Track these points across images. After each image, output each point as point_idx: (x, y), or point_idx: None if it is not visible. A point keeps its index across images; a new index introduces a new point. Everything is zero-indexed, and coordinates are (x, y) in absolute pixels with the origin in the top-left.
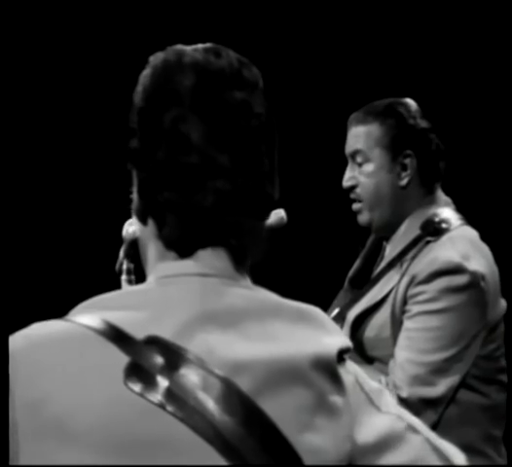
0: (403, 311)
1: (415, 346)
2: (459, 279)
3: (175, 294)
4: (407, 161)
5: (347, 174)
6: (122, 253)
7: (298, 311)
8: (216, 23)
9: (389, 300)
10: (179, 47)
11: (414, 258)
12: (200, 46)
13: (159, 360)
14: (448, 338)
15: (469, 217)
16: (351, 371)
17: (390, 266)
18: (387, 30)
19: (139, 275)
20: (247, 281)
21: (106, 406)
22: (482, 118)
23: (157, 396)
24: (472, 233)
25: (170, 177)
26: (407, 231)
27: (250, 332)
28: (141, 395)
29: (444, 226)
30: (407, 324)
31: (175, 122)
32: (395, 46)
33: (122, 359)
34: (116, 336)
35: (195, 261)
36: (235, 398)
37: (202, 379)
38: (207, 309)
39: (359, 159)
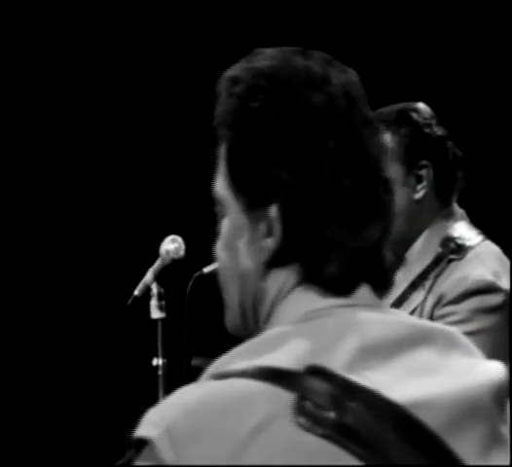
0: None
1: None
2: (493, 299)
3: (331, 327)
4: (423, 172)
5: None
6: (151, 275)
7: (446, 336)
8: (216, 23)
9: None
10: (301, 62)
11: (437, 277)
12: (316, 56)
13: (325, 391)
14: None
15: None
16: None
17: (414, 286)
18: (393, 31)
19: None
20: (388, 308)
21: (284, 452)
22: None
23: (327, 430)
24: (496, 250)
25: (342, 208)
26: (425, 248)
27: (410, 364)
28: (313, 432)
29: (467, 243)
30: None
31: (340, 144)
32: (402, 46)
33: (287, 397)
34: (277, 375)
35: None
36: (416, 434)
37: (372, 407)
38: (365, 343)
39: None
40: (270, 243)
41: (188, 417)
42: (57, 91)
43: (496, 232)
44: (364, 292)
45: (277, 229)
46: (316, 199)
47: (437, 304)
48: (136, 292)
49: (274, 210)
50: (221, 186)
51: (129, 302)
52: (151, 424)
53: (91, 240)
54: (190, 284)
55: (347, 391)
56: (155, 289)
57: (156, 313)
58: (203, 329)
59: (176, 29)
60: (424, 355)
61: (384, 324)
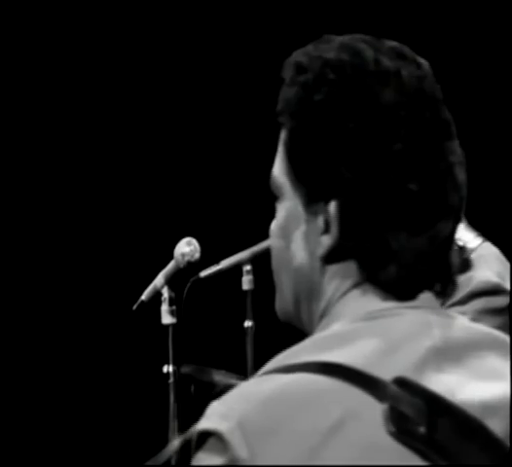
0: None
1: None
2: (498, 301)
3: (398, 326)
4: None
5: None
6: (162, 278)
7: (504, 343)
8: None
9: None
10: (371, 54)
11: None
12: (388, 47)
13: (414, 403)
14: None
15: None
16: None
17: None
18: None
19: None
20: (449, 312)
21: (365, 454)
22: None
23: (417, 443)
24: (497, 251)
25: (405, 212)
26: None
27: (478, 369)
28: (402, 441)
29: (468, 245)
30: None
31: (409, 146)
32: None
33: (376, 405)
34: (360, 379)
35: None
36: (493, 443)
37: (459, 424)
38: (434, 344)
39: None
40: (326, 240)
41: (261, 411)
42: (75, 93)
43: (493, 233)
44: (426, 295)
45: (335, 226)
46: (377, 201)
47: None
48: (143, 297)
49: (332, 207)
50: (279, 170)
51: (135, 307)
52: (219, 416)
53: (101, 245)
54: (186, 289)
55: (434, 406)
56: (166, 293)
57: (167, 318)
58: (200, 335)
59: (176, 29)
60: (490, 360)
61: (449, 327)
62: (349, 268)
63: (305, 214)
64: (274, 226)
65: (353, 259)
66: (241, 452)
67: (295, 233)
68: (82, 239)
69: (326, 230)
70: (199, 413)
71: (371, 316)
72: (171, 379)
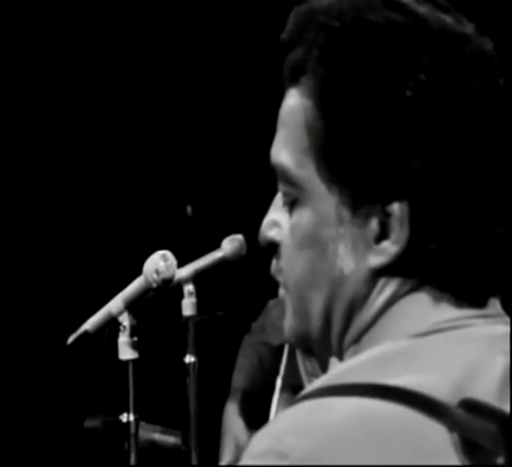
0: None
1: None
2: None
3: (472, 341)
4: None
5: None
6: (120, 302)
7: None
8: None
9: None
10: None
11: None
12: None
13: (487, 430)
14: None
15: None
16: None
17: None
18: None
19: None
20: None
21: None
22: None
23: None
24: None
25: (480, 206)
26: None
27: None
28: None
29: None
30: None
31: (483, 129)
32: None
33: (445, 435)
34: (428, 405)
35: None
36: None
37: None
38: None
39: None
40: (387, 246)
41: (325, 449)
42: (61, 96)
43: None
44: (493, 301)
45: (399, 230)
46: (454, 198)
47: None
48: (88, 326)
49: (396, 207)
50: (297, 160)
51: (72, 340)
52: (276, 455)
53: (102, 251)
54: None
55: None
56: (126, 321)
57: (127, 353)
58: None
59: (177, 29)
60: None
61: None
62: (410, 274)
63: (351, 218)
64: (290, 233)
65: (419, 266)
66: None
67: (333, 240)
68: (84, 246)
69: (383, 234)
70: None
71: (438, 328)
72: (132, 430)
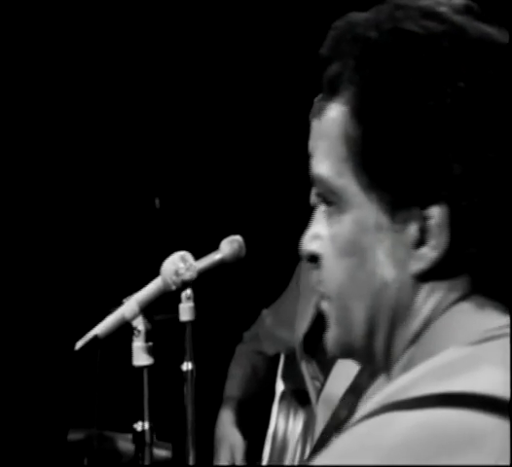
0: None
1: None
2: None
3: None
4: None
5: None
6: (135, 306)
7: None
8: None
9: None
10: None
11: None
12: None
13: None
14: None
15: None
16: None
17: None
18: None
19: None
20: None
21: None
22: None
23: None
24: None
25: None
26: None
27: None
28: None
29: None
30: None
31: None
32: None
33: None
34: (495, 405)
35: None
36: None
37: None
38: None
39: None
40: (427, 252)
41: (403, 463)
42: (60, 95)
43: None
44: None
45: (438, 234)
46: (494, 200)
47: None
48: (98, 331)
49: (435, 212)
50: (334, 169)
51: (81, 345)
52: None
53: (103, 255)
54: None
55: None
56: (141, 326)
57: (141, 359)
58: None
59: (177, 28)
60: None
61: None
62: (454, 281)
63: (390, 224)
64: (331, 243)
65: (462, 272)
66: None
67: (373, 247)
68: (86, 250)
69: (422, 239)
70: None
71: (491, 336)
72: (148, 439)
